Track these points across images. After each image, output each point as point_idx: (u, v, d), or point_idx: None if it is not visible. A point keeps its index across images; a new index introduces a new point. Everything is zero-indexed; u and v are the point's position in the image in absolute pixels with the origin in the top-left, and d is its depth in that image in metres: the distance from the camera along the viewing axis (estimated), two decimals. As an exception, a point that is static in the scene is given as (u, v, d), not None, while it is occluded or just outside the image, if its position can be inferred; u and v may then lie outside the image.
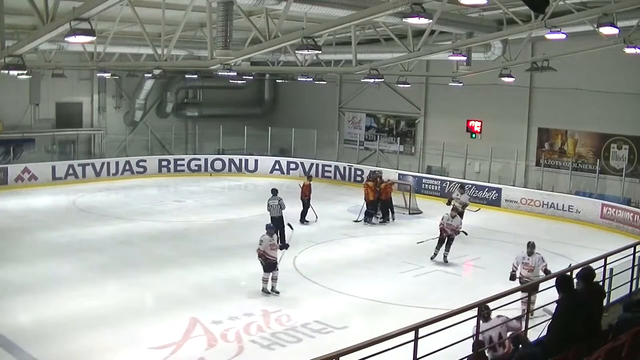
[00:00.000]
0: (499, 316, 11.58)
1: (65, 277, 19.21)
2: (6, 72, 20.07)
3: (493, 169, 32.51)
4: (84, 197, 31.63)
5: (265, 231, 18.09)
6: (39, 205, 29.63)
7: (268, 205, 23.29)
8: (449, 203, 25.35)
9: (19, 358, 13.95)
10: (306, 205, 26.90)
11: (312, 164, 37.81)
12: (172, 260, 21.20)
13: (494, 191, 31.49)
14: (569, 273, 11.12)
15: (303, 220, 26.51)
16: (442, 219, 21.52)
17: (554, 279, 10.05)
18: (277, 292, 18.01)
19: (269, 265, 17.95)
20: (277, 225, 20.97)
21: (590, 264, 11.92)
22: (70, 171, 35.18)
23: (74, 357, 14.11)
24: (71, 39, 14.01)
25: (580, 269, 10.68)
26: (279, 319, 16.39)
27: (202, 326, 15.67)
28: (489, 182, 32.13)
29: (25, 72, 21.28)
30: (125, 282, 18.94)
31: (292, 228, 21.39)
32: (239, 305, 17.16)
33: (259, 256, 17.97)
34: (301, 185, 27.20)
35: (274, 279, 18.03)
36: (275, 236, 18.33)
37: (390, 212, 27.84)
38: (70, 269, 20.04)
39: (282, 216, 22.82)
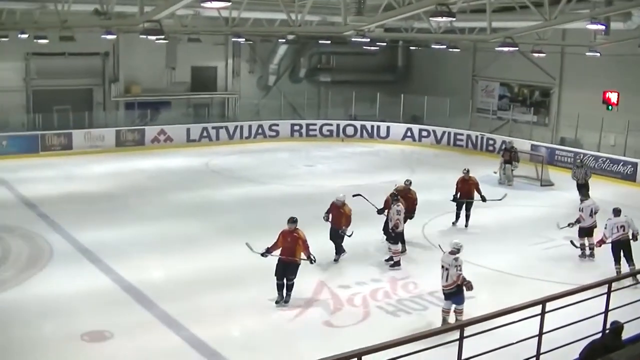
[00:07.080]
0: (625, 215, 16.88)
1: (195, 237, 19.80)
2: (145, 36, 20.64)
3: (629, 142, 30.99)
4: (216, 159, 32.35)
5: None
6: (173, 166, 30.55)
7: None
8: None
9: (154, 313, 14.43)
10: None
11: (444, 132, 37.37)
12: (301, 224, 21.24)
13: (629, 165, 30.02)
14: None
15: None
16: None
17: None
18: None
19: None
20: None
21: None
22: (204, 134, 36.06)
23: (203, 313, 14.49)
24: (207, 4, 14.24)
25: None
26: (405, 285, 16.31)
27: (329, 290, 15.79)
28: (624, 155, 30.67)
29: (162, 37, 21.82)
30: (254, 244, 19.12)
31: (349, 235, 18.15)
32: (366, 272, 17.18)
33: None
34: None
35: None
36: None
37: None
38: (199, 229, 20.67)
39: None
